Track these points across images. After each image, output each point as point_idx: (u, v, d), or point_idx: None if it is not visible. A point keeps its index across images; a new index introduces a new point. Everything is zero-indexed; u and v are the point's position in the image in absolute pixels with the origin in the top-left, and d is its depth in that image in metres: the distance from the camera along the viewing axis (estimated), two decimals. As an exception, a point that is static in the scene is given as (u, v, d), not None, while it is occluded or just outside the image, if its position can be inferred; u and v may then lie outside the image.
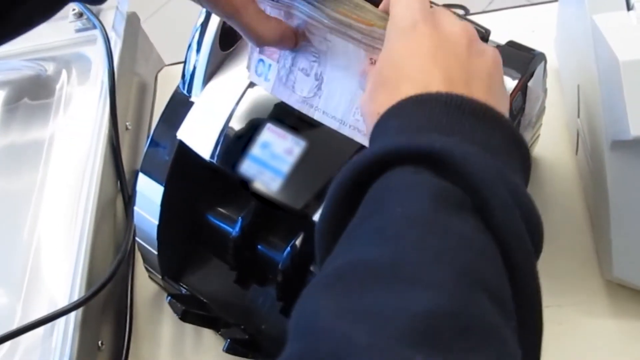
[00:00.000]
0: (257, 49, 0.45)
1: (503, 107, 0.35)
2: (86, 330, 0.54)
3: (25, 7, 0.34)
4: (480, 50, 0.35)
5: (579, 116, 0.53)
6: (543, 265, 0.53)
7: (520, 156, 0.32)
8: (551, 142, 0.59)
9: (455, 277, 0.25)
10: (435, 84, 0.32)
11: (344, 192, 0.31)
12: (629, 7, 0.44)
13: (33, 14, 0.36)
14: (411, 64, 0.34)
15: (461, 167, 0.28)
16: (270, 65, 0.45)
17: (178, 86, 0.52)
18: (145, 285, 0.61)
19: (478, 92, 0.33)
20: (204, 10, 0.49)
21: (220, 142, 0.47)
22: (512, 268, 0.28)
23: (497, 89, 0.35)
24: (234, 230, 0.49)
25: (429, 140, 0.29)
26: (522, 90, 0.45)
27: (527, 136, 0.52)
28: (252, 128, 0.47)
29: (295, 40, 0.42)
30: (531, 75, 0.46)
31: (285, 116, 0.46)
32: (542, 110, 0.53)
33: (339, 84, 0.42)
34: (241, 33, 0.40)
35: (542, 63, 0.47)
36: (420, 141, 0.30)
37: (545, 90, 0.51)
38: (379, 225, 0.28)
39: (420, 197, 0.28)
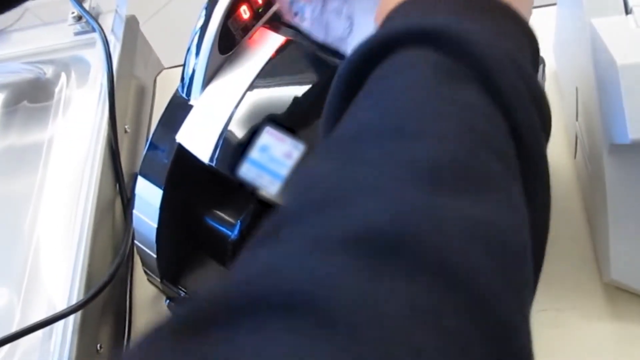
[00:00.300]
0: None
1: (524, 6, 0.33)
2: (85, 334, 0.54)
3: None
4: None
5: (577, 119, 0.53)
6: (541, 269, 0.53)
7: (530, 49, 0.31)
8: (549, 145, 0.58)
9: (459, 132, 0.25)
10: None
11: (347, 77, 0.30)
12: (627, 11, 0.44)
13: None
14: None
15: (465, 42, 0.27)
16: (304, 5, 0.46)
17: (177, 89, 0.52)
18: (144, 288, 0.61)
19: None
20: (204, 13, 0.49)
21: (220, 146, 0.47)
22: (520, 146, 0.27)
23: None
24: (233, 234, 0.49)
25: (432, 21, 0.29)
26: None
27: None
28: (251, 131, 0.47)
29: None
30: (530, 79, 0.46)
31: (284, 119, 0.46)
32: (541, 113, 0.53)
33: (366, 25, 0.42)
34: None
35: (541, 66, 0.47)
36: (423, 22, 0.29)
37: (543, 94, 0.51)
38: (381, 96, 0.27)
39: (423, 70, 0.27)
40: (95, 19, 0.71)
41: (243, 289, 0.20)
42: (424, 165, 0.23)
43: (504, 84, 0.27)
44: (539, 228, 0.28)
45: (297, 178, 0.24)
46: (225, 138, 0.47)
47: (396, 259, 0.20)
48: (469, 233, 0.22)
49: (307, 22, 0.45)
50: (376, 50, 0.29)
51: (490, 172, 0.24)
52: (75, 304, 0.52)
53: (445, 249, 0.21)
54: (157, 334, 0.20)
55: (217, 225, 0.53)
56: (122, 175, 0.65)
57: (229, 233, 0.50)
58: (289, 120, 0.46)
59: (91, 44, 0.72)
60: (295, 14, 0.46)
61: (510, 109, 0.27)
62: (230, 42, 0.51)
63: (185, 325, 0.19)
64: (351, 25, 0.44)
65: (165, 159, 0.51)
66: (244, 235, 0.49)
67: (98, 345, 0.56)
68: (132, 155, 0.70)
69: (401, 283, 0.20)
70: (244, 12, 0.50)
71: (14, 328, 0.52)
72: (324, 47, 0.51)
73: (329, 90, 0.31)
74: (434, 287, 0.20)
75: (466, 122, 0.25)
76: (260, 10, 0.51)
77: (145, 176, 0.52)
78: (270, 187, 0.45)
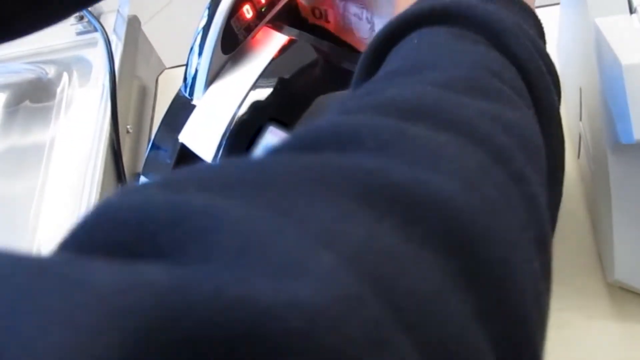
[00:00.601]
0: None
1: None
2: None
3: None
4: None
5: (580, 119, 0.53)
6: (545, 269, 0.53)
7: (536, 27, 0.33)
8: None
9: (473, 65, 0.27)
10: None
11: (371, 55, 0.32)
12: (631, 10, 0.44)
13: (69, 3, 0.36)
14: None
15: (474, 15, 0.29)
16: (326, 9, 0.49)
17: (180, 89, 0.52)
18: (146, 289, 0.61)
19: None
20: (206, 12, 0.49)
21: (223, 145, 0.47)
22: (532, 91, 0.29)
23: None
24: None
25: (443, 2, 0.30)
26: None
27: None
28: (254, 131, 0.47)
29: None
30: (533, 79, 0.46)
31: (287, 118, 0.46)
32: (544, 113, 0.52)
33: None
34: None
35: (544, 66, 0.47)
36: (435, 3, 0.31)
37: (547, 94, 0.51)
38: (402, 52, 0.30)
39: (438, 35, 0.29)
40: (97, 19, 0.71)
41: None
42: (439, 81, 0.25)
43: (513, 42, 0.29)
44: (555, 163, 0.30)
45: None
46: (228, 138, 0.47)
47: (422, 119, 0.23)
48: (487, 116, 0.24)
49: (331, 25, 0.47)
50: (396, 32, 0.31)
51: (504, 91, 0.26)
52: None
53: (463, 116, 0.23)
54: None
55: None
56: (125, 175, 0.64)
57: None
58: (292, 120, 0.46)
59: (93, 43, 0.72)
60: (320, 17, 0.48)
61: (521, 60, 0.29)
62: (233, 42, 0.50)
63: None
64: (372, 26, 0.45)
65: (168, 159, 0.50)
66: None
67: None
68: (134, 155, 0.70)
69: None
70: (247, 11, 0.50)
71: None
72: (329, 47, 0.51)
73: (356, 71, 0.33)
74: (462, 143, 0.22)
75: (479, 61, 0.27)
76: (263, 9, 0.51)
77: (148, 176, 0.52)
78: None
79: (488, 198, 0.20)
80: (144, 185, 0.19)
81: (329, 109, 0.26)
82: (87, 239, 0.17)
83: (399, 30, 0.31)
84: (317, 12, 0.50)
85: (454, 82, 0.25)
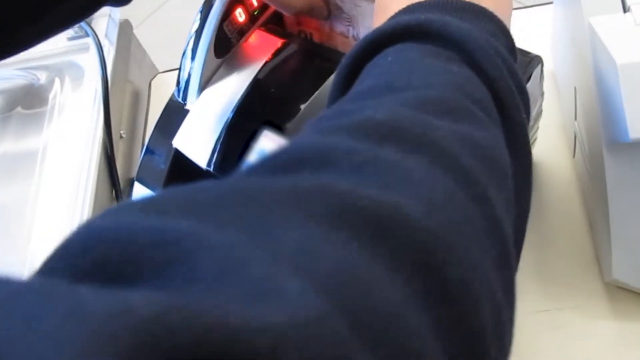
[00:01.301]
0: None
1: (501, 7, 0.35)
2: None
3: (60, 9, 0.36)
4: None
5: (576, 119, 0.53)
6: (542, 268, 0.53)
7: (507, 43, 0.33)
8: (548, 145, 0.59)
9: (444, 85, 0.28)
10: None
11: (345, 71, 0.32)
12: (625, 9, 0.44)
13: (68, 15, 0.37)
14: None
15: (448, 33, 0.30)
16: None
17: (173, 94, 0.52)
18: (142, 295, 0.60)
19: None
20: (199, 16, 0.49)
21: (217, 150, 0.47)
22: (502, 109, 0.29)
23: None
24: (232, 239, 0.49)
25: (417, 17, 0.31)
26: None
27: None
28: (249, 135, 0.46)
29: (327, 10, 0.46)
30: (528, 79, 0.46)
31: (281, 122, 0.46)
32: (539, 113, 0.52)
33: None
34: (273, 4, 0.45)
35: (539, 66, 0.47)
36: (410, 19, 0.31)
37: (542, 94, 0.51)
38: (374, 70, 0.30)
39: (411, 52, 0.30)
40: (89, 24, 0.71)
41: None
42: (412, 103, 0.26)
43: (485, 61, 0.29)
44: (523, 181, 0.30)
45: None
46: (222, 142, 0.47)
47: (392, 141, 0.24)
48: (455, 138, 0.25)
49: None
50: (370, 48, 0.32)
51: (473, 112, 0.27)
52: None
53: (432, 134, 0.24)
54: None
55: (215, 231, 0.52)
56: (119, 181, 0.64)
57: (228, 238, 0.50)
58: (287, 123, 0.46)
59: (85, 48, 0.71)
60: (304, 35, 0.49)
61: (492, 79, 0.29)
62: (226, 46, 0.50)
63: None
64: None
65: (162, 165, 0.50)
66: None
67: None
68: (128, 160, 0.70)
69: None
70: (240, 15, 0.49)
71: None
72: (321, 50, 0.51)
73: (331, 87, 0.33)
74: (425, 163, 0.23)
75: (451, 81, 0.28)
76: (255, 13, 0.50)
77: (142, 182, 0.51)
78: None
79: (451, 221, 0.22)
80: (129, 205, 0.20)
81: (305, 128, 0.27)
82: (73, 258, 0.18)
83: (374, 46, 0.32)
84: (302, 34, 0.51)
85: (425, 103, 0.26)
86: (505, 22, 0.35)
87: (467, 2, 0.33)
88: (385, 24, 0.32)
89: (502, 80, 0.29)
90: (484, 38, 0.30)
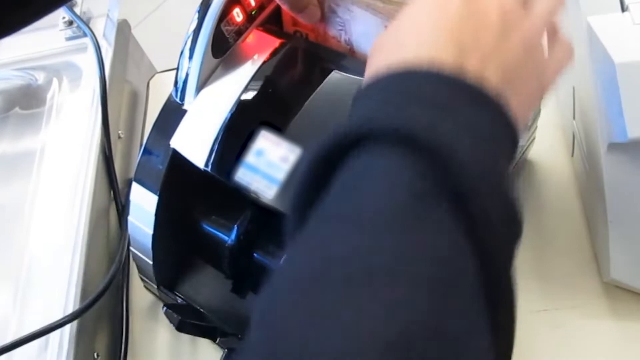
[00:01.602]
0: None
1: (522, 101, 0.31)
2: (81, 342, 0.53)
3: None
4: (517, 24, 0.31)
5: (574, 118, 0.53)
6: (540, 268, 0.53)
7: (509, 141, 0.29)
8: (547, 144, 0.59)
9: (427, 292, 0.24)
10: (443, 54, 0.29)
11: (317, 168, 0.28)
12: (623, 9, 0.44)
13: None
14: (424, 27, 0.31)
15: (439, 154, 0.26)
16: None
17: (171, 94, 0.51)
18: (141, 295, 0.60)
19: (493, 75, 0.29)
20: (196, 16, 0.49)
21: (215, 150, 0.47)
22: (489, 276, 0.26)
23: (522, 77, 0.31)
24: (230, 239, 0.49)
25: (409, 119, 0.27)
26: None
27: (523, 140, 0.52)
28: (247, 135, 0.46)
29: (321, 12, 0.46)
30: (526, 78, 0.46)
31: (279, 122, 0.46)
32: (538, 112, 0.52)
33: (364, 51, 0.46)
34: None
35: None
36: (397, 120, 0.27)
37: (540, 93, 0.51)
38: (352, 216, 0.26)
39: (396, 191, 0.26)
40: (87, 24, 0.71)
41: None
42: (391, 339, 0.22)
43: (477, 210, 0.26)
44: (505, 336, 0.28)
45: (261, 307, 0.26)
46: (220, 142, 0.47)
47: None
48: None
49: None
50: (347, 142, 0.28)
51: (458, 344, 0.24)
52: (72, 313, 0.52)
53: None
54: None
55: (213, 231, 0.52)
56: (117, 181, 0.64)
57: (226, 238, 0.50)
58: (285, 124, 0.45)
59: (83, 49, 0.71)
60: (300, 35, 0.49)
61: (480, 238, 0.26)
62: (223, 46, 0.50)
63: None
64: (351, 49, 0.47)
65: (160, 165, 0.50)
66: (240, 240, 0.49)
67: (95, 354, 0.55)
68: (126, 161, 0.70)
69: None
70: (237, 15, 0.49)
71: (10, 339, 0.51)
72: (319, 49, 0.51)
73: (298, 177, 0.29)
74: None
75: (435, 269, 0.24)
76: (253, 13, 0.50)
77: (140, 182, 0.51)
78: (266, 192, 0.44)
79: None
80: None
81: (270, 277, 0.26)
82: None
83: (353, 140, 0.28)
84: (297, 34, 0.51)
85: (405, 344, 0.23)
86: (522, 111, 0.30)
87: (471, 85, 0.28)
88: (371, 107, 0.28)
89: (493, 240, 0.26)
90: (484, 164, 0.26)
